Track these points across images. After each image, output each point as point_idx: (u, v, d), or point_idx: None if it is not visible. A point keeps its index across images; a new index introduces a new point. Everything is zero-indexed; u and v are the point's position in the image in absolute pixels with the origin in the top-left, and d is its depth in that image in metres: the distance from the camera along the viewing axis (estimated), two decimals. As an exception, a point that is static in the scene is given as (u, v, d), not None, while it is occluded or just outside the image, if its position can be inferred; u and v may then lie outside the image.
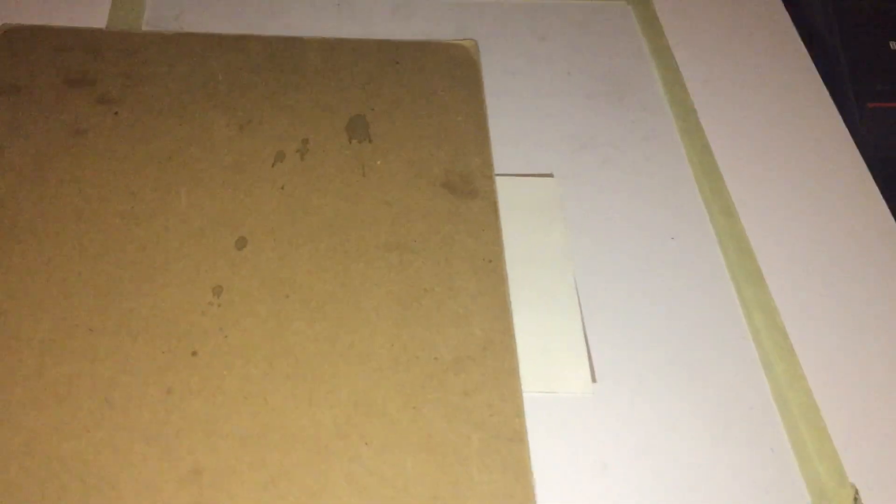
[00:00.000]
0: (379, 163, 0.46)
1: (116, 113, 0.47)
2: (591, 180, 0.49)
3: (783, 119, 0.54)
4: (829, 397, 0.40)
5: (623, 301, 0.44)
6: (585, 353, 0.41)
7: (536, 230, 0.46)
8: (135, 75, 0.49)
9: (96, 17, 0.54)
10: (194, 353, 0.38)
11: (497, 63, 0.55)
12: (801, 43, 0.59)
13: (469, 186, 0.45)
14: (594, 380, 0.40)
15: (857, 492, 0.37)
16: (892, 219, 0.49)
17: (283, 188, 0.44)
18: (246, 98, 0.49)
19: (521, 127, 0.52)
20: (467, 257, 0.42)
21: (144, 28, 0.54)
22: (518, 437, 0.36)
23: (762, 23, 0.60)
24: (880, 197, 0.50)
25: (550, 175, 0.49)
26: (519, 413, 0.37)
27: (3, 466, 0.34)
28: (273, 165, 0.45)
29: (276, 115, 0.48)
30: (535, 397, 0.39)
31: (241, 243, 0.42)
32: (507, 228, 0.45)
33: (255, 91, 0.49)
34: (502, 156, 0.49)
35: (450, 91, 0.50)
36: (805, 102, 0.55)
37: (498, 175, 0.47)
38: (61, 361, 0.37)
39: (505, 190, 0.47)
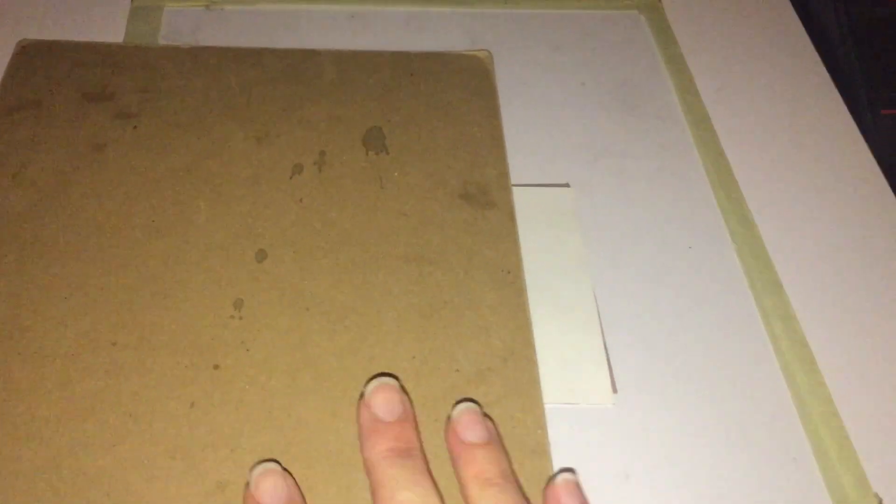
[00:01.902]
0: (396, 174, 0.46)
1: (135, 127, 0.47)
2: (606, 190, 0.49)
3: (797, 126, 0.54)
4: (850, 405, 0.40)
5: (642, 311, 0.44)
6: (606, 364, 0.41)
7: (553, 241, 0.46)
8: (152, 89, 0.49)
9: (113, 32, 0.54)
10: (216, 367, 0.38)
11: (511, 73, 0.55)
12: (814, 50, 0.59)
13: (486, 197, 0.45)
14: (615, 390, 0.40)
15: (880, 501, 0.37)
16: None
17: (301, 201, 0.44)
18: (263, 111, 0.49)
19: (536, 137, 0.52)
20: (486, 269, 0.42)
21: (161, 43, 0.54)
22: (540, 450, 0.36)
23: (774, 30, 0.60)
24: (893, 200, 0.50)
25: (567, 185, 0.49)
26: (541, 425, 0.37)
27: (29, 482, 0.34)
28: (291, 178, 0.46)
29: (292, 128, 0.48)
30: (557, 408, 0.39)
31: (261, 256, 0.42)
32: (524, 239, 0.45)
33: (272, 104, 0.49)
34: (518, 166, 0.49)
35: (465, 102, 0.50)
36: (819, 109, 0.55)
37: (514, 186, 0.47)
38: (85, 376, 0.37)
39: (521, 200, 0.47)
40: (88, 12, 0.56)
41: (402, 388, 0.33)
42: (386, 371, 0.38)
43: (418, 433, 0.32)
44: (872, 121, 0.56)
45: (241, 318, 0.40)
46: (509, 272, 0.42)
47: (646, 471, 0.38)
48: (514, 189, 0.47)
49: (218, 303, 0.40)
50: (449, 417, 0.33)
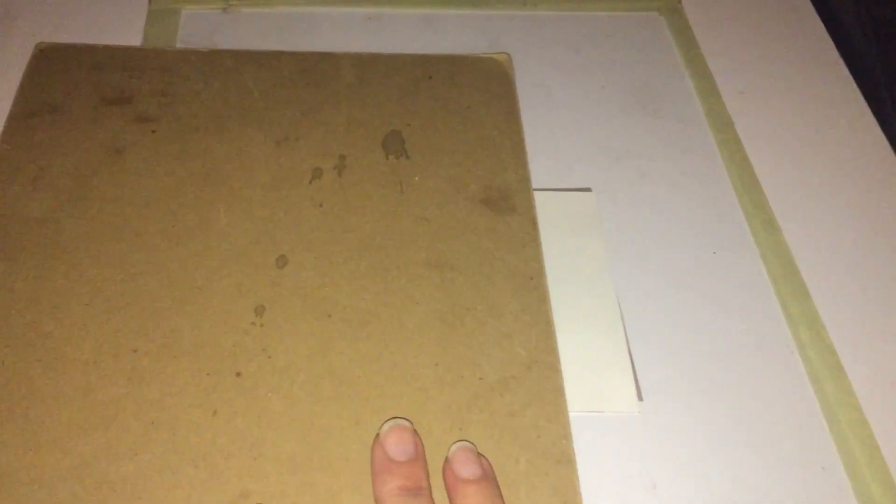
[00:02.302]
0: (417, 179, 0.46)
1: (154, 131, 0.47)
2: (628, 194, 0.49)
3: (821, 128, 0.54)
4: (879, 413, 0.40)
5: (666, 317, 0.44)
6: (631, 371, 0.41)
7: (576, 245, 0.46)
8: (170, 93, 0.49)
9: (131, 36, 0.54)
10: (238, 374, 0.37)
11: (531, 76, 0.55)
12: (836, 51, 0.58)
13: (508, 202, 0.45)
14: (640, 398, 0.40)
15: (910, 511, 0.37)
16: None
17: (321, 205, 0.44)
18: (281, 114, 0.48)
19: (557, 141, 0.52)
20: (509, 275, 0.42)
21: (178, 45, 0.54)
22: (566, 459, 0.36)
23: (795, 31, 0.60)
24: None
25: (588, 189, 0.49)
26: (566, 434, 0.37)
27: (52, 490, 0.34)
28: (310, 182, 0.45)
29: (311, 132, 0.48)
30: (582, 417, 0.39)
31: (282, 262, 0.42)
32: (546, 244, 0.44)
33: (291, 107, 0.49)
34: (539, 170, 0.49)
35: (485, 105, 0.50)
36: (842, 111, 0.55)
37: (536, 190, 0.47)
38: (106, 384, 0.37)
39: (543, 205, 0.47)
40: (106, 16, 0.56)
41: (415, 431, 0.35)
42: (409, 379, 0.38)
43: (427, 474, 0.33)
44: (896, 123, 0.55)
45: (262, 324, 0.39)
46: (532, 278, 0.42)
47: (673, 479, 0.38)
48: (536, 193, 0.46)
49: (239, 309, 0.40)
50: (447, 456, 0.34)
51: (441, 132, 0.48)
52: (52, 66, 0.50)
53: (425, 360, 0.39)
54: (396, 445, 0.33)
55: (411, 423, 0.35)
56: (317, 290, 0.41)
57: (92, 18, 0.56)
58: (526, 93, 0.54)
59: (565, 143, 0.51)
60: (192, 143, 0.47)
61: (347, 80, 0.51)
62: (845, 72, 0.57)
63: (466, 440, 0.35)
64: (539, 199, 0.47)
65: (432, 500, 0.32)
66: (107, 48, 0.52)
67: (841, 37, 0.59)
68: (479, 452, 0.34)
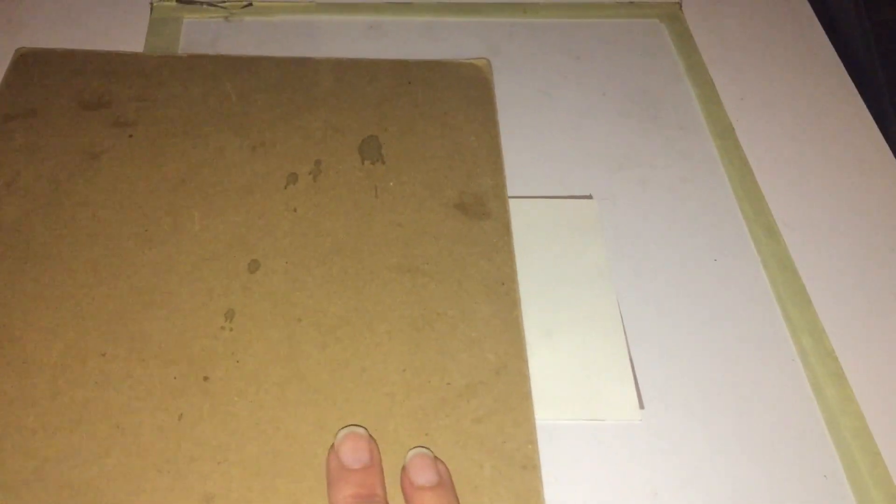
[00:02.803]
0: (392, 184, 0.46)
1: (131, 136, 0.47)
2: (629, 201, 0.49)
3: (821, 135, 0.53)
4: (881, 420, 0.40)
5: (667, 324, 0.43)
6: (632, 379, 0.41)
7: (577, 253, 0.46)
8: (149, 98, 0.49)
9: (133, 44, 0.54)
10: (206, 379, 0.37)
11: (532, 83, 0.55)
12: (838, 57, 0.58)
13: (482, 208, 0.45)
14: (642, 406, 0.40)
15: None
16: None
17: (295, 210, 0.44)
18: (259, 119, 0.49)
19: (558, 148, 0.51)
20: (480, 280, 0.42)
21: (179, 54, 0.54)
22: (531, 465, 0.36)
23: (796, 37, 0.60)
24: None
25: (589, 196, 0.49)
26: (531, 439, 0.36)
27: (14, 493, 0.34)
28: (286, 187, 0.45)
29: (288, 137, 0.48)
30: (583, 425, 0.39)
31: (254, 266, 0.42)
32: (547, 251, 0.45)
33: (268, 112, 0.49)
34: (540, 177, 0.49)
35: (463, 111, 0.50)
36: (844, 117, 0.55)
37: (537, 197, 0.47)
38: (74, 387, 0.37)
39: (545, 212, 0.47)
40: (109, 24, 0.56)
41: (371, 438, 0.35)
42: (377, 383, 0.38)
43: (382, 481, 0.33)
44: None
45: (231, 329, 0.39)
46: (503, 284, 0.42)
47: (674, 488, 0.38)
48: (537, 201, 0.47)
49: (209, 313, 0.40)
50: (403, 465, 0.34)
51: (418, 137, 0.48)
52: (31, 70, 0.50)
53: (393, 365, 0.39)
54: (351, 453, 0.33)
55: (367, 430, 0.35)
56: (287, 295, 0.41)
57: (94, 27, 0.56)
58: (527, 100, 0.54)
59: (566, 150, 0.51)
60: (169, 147, 0.47)
61: (326, 85, 0.51)
62: (846, 78, 0.57)
63: (423, 447, 0.35)
64: (540, 206, 0.47)
65: None
66: (87, 53, 0.52)
67: (842, 43, 0.59)
68: (436, 458, 0.34)
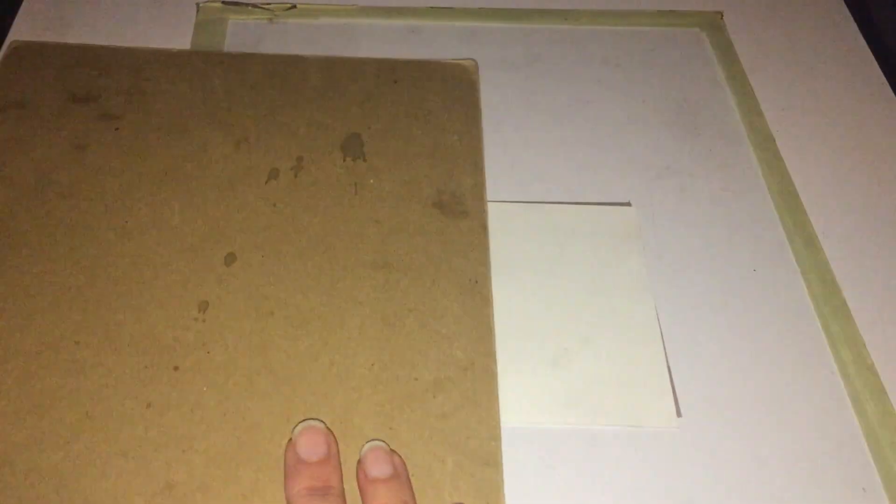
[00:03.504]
0: (371, 181, 0.46)
1: (117, 129, 0.48)
2: (668, 210, 0.49)
3: (863, 146, 0.53)
4: None
5: (705, 334, 0.43)
6: (670, 387, 0.41)
7: (615, 259, 0.46)
8: (137, 92, 0.50)
9: (179, 45, 0.55)
10: (176, 368, 0.38)
11: (572, 90, 0.55)
12: (878, 66, 0.58)
13: (460, 207, 0.45)
14: (679, 414, 0.40)
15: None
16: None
17: (274, 205, 0.45)
18: (244, 116, 0.49)
19: (597, 155, 0.51)
20: (454, 278, 0.42)
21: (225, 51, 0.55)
22: (493, 462, 0.36)
23: (837, 47, 0.60)
24: None
25: (628, 204, 0.49)
26: (495, 437, 0.37)
27: (-19, 476, 0.34)
28: (266, 182, 0.46)
29: (272, 133, 0.48)
30: (620, 431, 0.39)
31: (230, 259, 0.42)
32: (585, 257, 0.45)
33: (254, 109, 0.50)
34: (579, 184, 0.49)
35: (447, 110, 0.50)
36: (885, 129, 0.54)
37: (576, 203, 0.48)
38: (46, 374, 0.37)
39: (583, 218, 0.47)
40: (156, 24, 0.57)
41: (329, 431, 0.35)
42: (345, 377, 0.38)
43: (339, 474, 0.34)
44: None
45: (204, 320, 0.40)
46: (476, 282, 0.42)
47: (709, 497, 0.38)
48: (576, 207, 0.48)
49: (183, 305, 0.40)
50: (359, 458, 0.35)
51: (401, 136, 0.49)
52: (23, 63, 0.51)
53: (362, 359, 0.39)
54: (308, 446, 0.34)
55: (324, 423, 0.36)
56: (261, 289, 0.41)
57: (141, 28, 0.57)
58: (566, 107, 0.54)
59: (605, 158, 0.51)
60: (154, 141, 0.47)
61: (313, 82, 0.52)
62: (888, 88, 0.57)
63: (378, 440, 0.35)
64: (579, 212, 0.47)
65: (344, 500, 0.32)
66: (79, 47, 0.53)
67: (883, 54, 0.59)
68: (391, 451, 0.35)
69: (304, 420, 0.36)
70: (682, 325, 0.44)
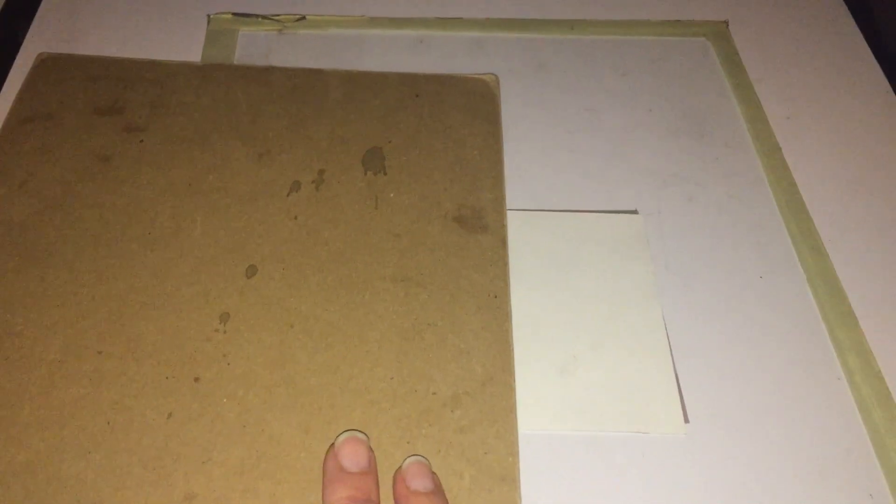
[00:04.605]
0: (392, 195, 0.46)
1: (141, 141, 0.48)
2: (675, 217, 0.49)
3: (868, 155, 0.53)
4: None
5: (712, 340, 0.44)
6: (677, 393, 0.41)
7: (622, 267, 0.46)
8: (161, 104, 0.50)
9: (190, 56, 0.56)
10: (197, 379, 0.38)
11: (579, 100, 0.55)
12: (884, 75, 0.58)
13: (480, 221, 0.46)
14: (687, 420, 0.40)
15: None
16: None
17: (296, 218, 0.45)
18: (266, 128, 0.50)
19: (604, 163, 0.52)
20: (473, 292, 0.42)
21: (235, 63, 0.55)
22: (510, 477, 0.36)
23: (842, 56, 0.60)
24: None
25: (635, 212, 0.49)
26: (512, 452, 0.37)
27: (4, 484, 0.35)
28: (288, 195, 0.46)
29: (294, 146, 0.49)
30: (628, 437, 0.39)
31: (252, 271, 0.43)
32: (593, 265, 0.46)
33: (276, 122, 0.50)
34: (586, 192, 0.50)
35: (468, 125, 0.51)
36: (888, 137, 0.54)
37: (583, 211, 0.48)
38: (69, 383, 0.38)
39: (591, 226, 0.47)
40: (168, 35, 0.58)
41: (369, 445, 0.35)
42: (364, 390, 0.38)
43: (378, 487, 0.34)
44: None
45: (225, 331, 0.40)
46: (496, 297, 0.42)
47: (716, 502, 0.38)
48: (583, 215, 0.48)
49: (204, 316, 0.41)
50: (399, 468, 0.35)
51: (421, 150, 0.49)
52: (50, 75, 0.52)
53: (381, 373, 0.39)
54: (350, 456, 0.34)
55: (367, 436, 0.36)
56: (282, 301, 0.41)
57: (153, 39, 0.57)
58: (573, 115, 0.54)
59: (612, 166, 0.52)
60: (177, 153, 0.48)
61: (334, 96, 0.52)
62: (893, 97, 0.57)
63: (420, 455, 0.36)
64: (586, 220, 0.48)
65: None
66: (104, 59, 0.53)
67: (888, 62, 0.59)
68: (432, 470, 0.35)
69: (347, 430, 0.36)
70: (689, 331, 0.44)
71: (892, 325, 0.44)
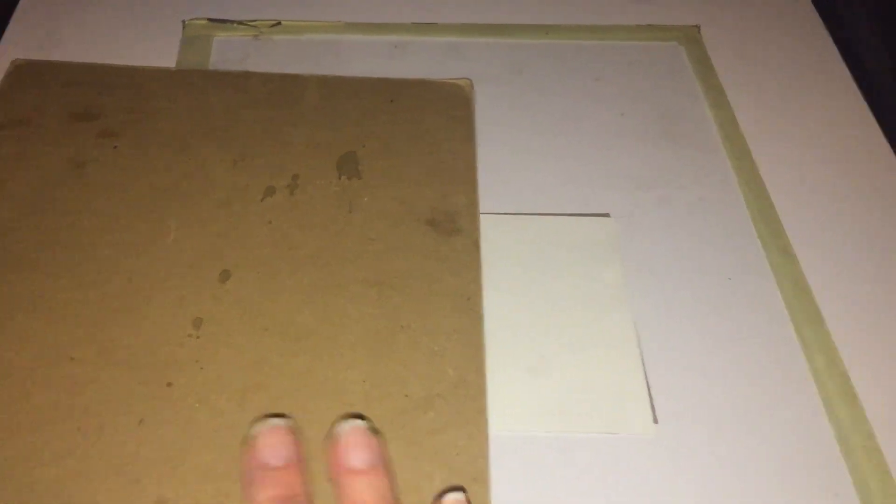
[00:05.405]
0: (366, 199, 0.47)
1: (116, 147, 0.48)
2: (646, 220, 0.50)
3: (837, 158, 0.54)
4: (893, 441, 0.40)
5: (682, 342, 0.44)
6: (646, 394, 0.41)
7: (594, 270, 0.46)
8: (137, 110, 0.51)
9: (165, 62, 0.56)
10: (169, 385, 0.38)
11: (552, 104, 0.56)
12: (852, 79, 0.59)
13: (454, 224, 0.46)
14: (656, 421, 0.40)
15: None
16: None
17: (270, 222, 0.45)
18: (242, 134, 0.50)
19: (578, 167, 0.52)
20: (447, 294, 0.43)
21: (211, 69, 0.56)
22: (481, 478, 0.36)
23: (812, 59, 0.60)
24: None
25: (607, 215, 0.49)
26: (483, 454, 0.37)
27: (-25, 491, 0.35)
28: (262, 200, 0.46)
29: (269, 151, 0.49)
30: (597, 438, 0.40)
31: (226, 276, 0.43)
32: (565, 268, 0.46)
33: (251, 127, 0.50)
34: (560, 196, 0.50)
35: (442, 130, 0.51)
36: (859, 141, 0.55)
37: (556, 215, 0.48)
38: (41, 389, 0.38)
39: (563, 230, 0.48)
40: (143, 41, 0.58)
41: (293, 430, 0.31)
42: (337, 393, 0.38)
43: (306, 478, 0.30)
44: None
45: (198, 336, 0.40)
46: (469, 299, 0.43)
47: (685, 503, 0.38)
48: (555, 218, 0.48)
49: (178, 321, 0.41)
50: (331, 433, 0.30)
51: (396, 154, 0.49)
52: (25, 81, 0.52)
53: (355, 376, 0.39)
54: (270, 449, 0.30)
55: (287, 417, 0.32)
56: (256, 305, 0.42)
57: (128, 45, 0.57)
58: (547, 120, 0.55)
59: (586, 170, 0.52)
60: (153, 159, 0.48)
61: (310, 101, 0.52)
62: (862, 102, 0.57)
63: (359, 416, 0.33)
64: (558, 224, 0.48)
65: None
66: (79, 65, 0.53)
67: (858, 66, 0.60)
68: (373, 430, 0.31)
69: (263, 416, 0.33)
70: (659, 333, 0.44)
71: (857, 325, 0.45)
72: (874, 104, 0.57)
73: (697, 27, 0.61)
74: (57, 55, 0.55)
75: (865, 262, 0.48)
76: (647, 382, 0.42)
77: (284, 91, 0.53)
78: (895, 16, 0.60)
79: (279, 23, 0.59)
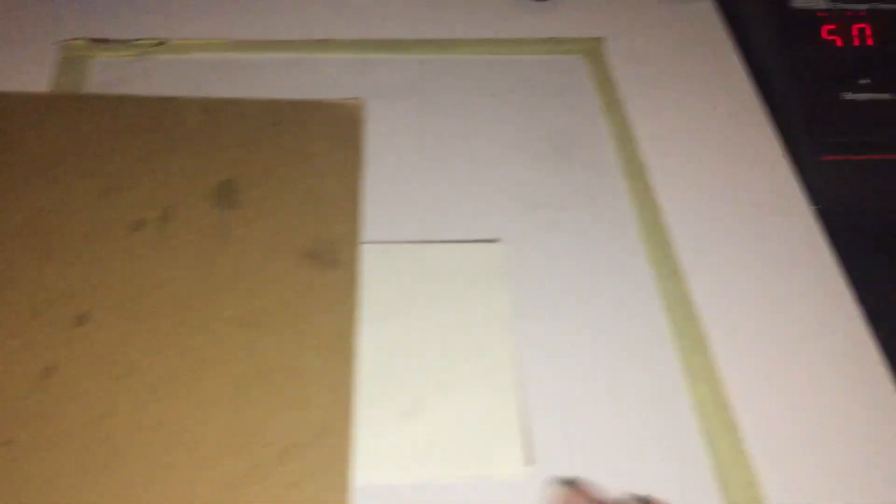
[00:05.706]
0: (242, 231, 0.44)
1: (-25, 180, 0.45)
2: (538, 244, 0.48)
3: (735, 175, 0.52)
4: (771, 473, 0.39)
5: (567, 372, 0.42)
6: (517, 434, 0.39)
7: (479, 298, 0.44)
8: (1, 138, 0.48)
9: (39, 85, 0.53)
10: (8, 443, 0.36)
11: (448, 122, 0.54)
12: (755, 96, 0.57)
13: (331, 256, 0.44)
14: (531, 461, 0.38)
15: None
16: (841, 278, 0.47)
17: (136, 259, 0.43)
18: (113, 163, 0.47)
19: (469, 190, 0.50)
20: (317, 334, 0.40)
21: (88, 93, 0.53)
22: (338, 535, 0.34)
23: (717, 75, 0.59)
24: (830, 254, 0.48)
25: (496, 240, 0.47)
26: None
27: None
28: (131, 234, 0.44)
29: (141, 181, 0.46)
30: (469, 483, 0.38)
31: (82, 320, 0.40)
32: (449, 298, 0.44)
33: (124, 155, 0.48)
34: (448, 221, 0.48)
35: (328, 154, 0.49)
36: (758, 158, 0.53)
37: (442, 242, 0.46)
38: None
39: (449, 257, 0.46)
40: (14, 62, 0.54)
41: None
42: (192, 446, 0.36)
43: None
44: (815, 166, 0.54)
45: (46, 387, 0.38)
46: (341, 338, 0.40)
47: None
48: (441, 245, 0.46)
49: (25, 371, 0.38)
50: None
51: (277, 181, 0.47)
52: None
53: (214, 426, 0.37)
54: None
55: None
56: (113, 350, 0.39)
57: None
58: (442, 139, 0.52)
59: (477, 193, 0.50)
60: (16, 192, 0.45)
61: (190, 126, 0.50)
62: (763, 117, 0.56)
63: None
64: (443, 251, 0.46)
65: None
66: (-58, 92, 0.50)
67: (761, 80, 0.58)
68: None
69: None
70: (545, 364, 0.42)
71: (742, 353, 0.43)
72: (778, 119, 0.55)
73: (601, 40, 0.59)
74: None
75: (756, 289, 0.46)
76: (523, 421, 0.40)
77: (162, 115, 0.50)
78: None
79: (162, 42, 0.56)
